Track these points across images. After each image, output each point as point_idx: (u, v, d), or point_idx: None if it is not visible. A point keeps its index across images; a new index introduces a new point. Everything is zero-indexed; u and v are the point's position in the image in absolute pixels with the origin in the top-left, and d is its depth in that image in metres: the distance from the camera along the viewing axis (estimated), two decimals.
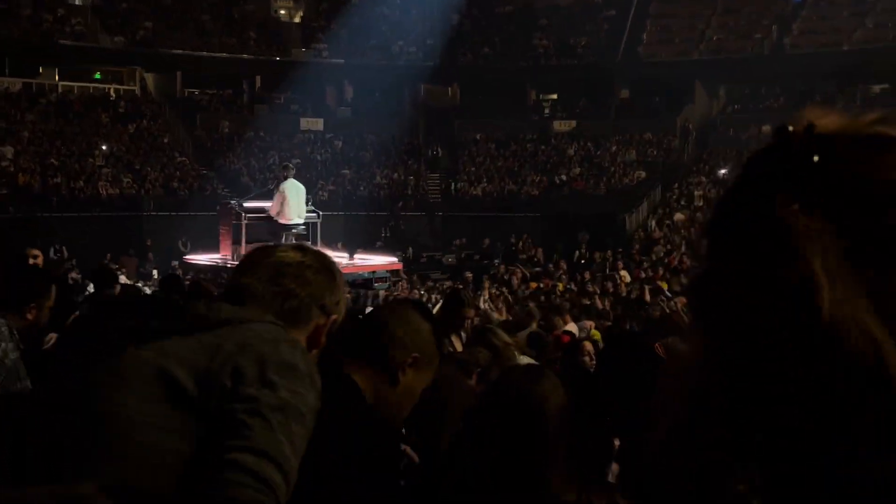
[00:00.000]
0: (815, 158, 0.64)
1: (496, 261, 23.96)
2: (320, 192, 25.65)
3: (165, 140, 30.57)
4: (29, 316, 3.49)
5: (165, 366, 1.37)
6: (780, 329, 0.62)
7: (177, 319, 1.45)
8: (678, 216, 26.52)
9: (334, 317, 1.74)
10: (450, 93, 37.56)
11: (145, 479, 1.29)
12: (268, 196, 12.88)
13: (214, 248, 15.54)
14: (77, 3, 34.36)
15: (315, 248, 1.74)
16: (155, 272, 19.37)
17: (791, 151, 0.65)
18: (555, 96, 37.27)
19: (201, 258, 13.94)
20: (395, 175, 31.52)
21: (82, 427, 1.32)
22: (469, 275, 18.69)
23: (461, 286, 12.29)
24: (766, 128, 31.93)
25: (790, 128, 0.67)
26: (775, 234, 0.63)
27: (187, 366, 1.37)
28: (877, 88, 33.06)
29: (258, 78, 35.04)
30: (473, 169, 32.40)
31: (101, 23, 33.39)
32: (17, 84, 31.05)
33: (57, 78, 33.01)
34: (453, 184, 31.76)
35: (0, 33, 30.06)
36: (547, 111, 36.31)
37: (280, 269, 1.67)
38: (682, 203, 28.70)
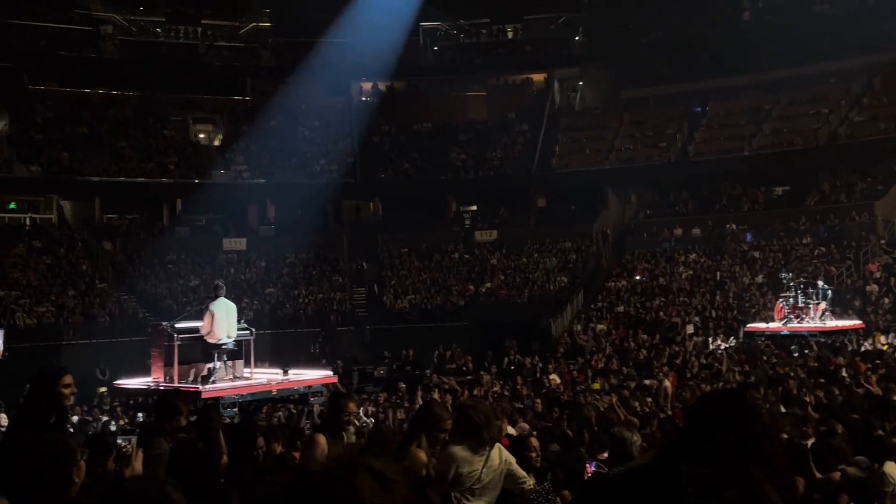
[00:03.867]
0: None
1: (427, 371, 23.98)
2: (246, 311, 25.42)
3: (84, 267, 30.05)
4: None
5: None
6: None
7: None
8: (600, 327, 27.16)
9: None
10: (372, 208, 38.13)
11: None
12: (198, 316, 12.79)
13: (136, 372, 15.21)
14: None
15: None
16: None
17: None
18: (475, 207, 38.19)
19: (132, 382, 13.63)
20: (322, 291, 31.52)
21: None
22: (402, 385, 18.69)
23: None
24: (678, 231, 33.30)
25: None
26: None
27: None
28: (779, 190, 34.89)
29: (178, 201, 34.97)
30: (399, 281, 32.65)
31: (17, 153, 33.12)
32: None
33: None
34: (380, 297, 31.88)
35: None
36: (468, 222, 37.09)
37: None
38: (604, 307, 29.32)
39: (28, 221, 32.85)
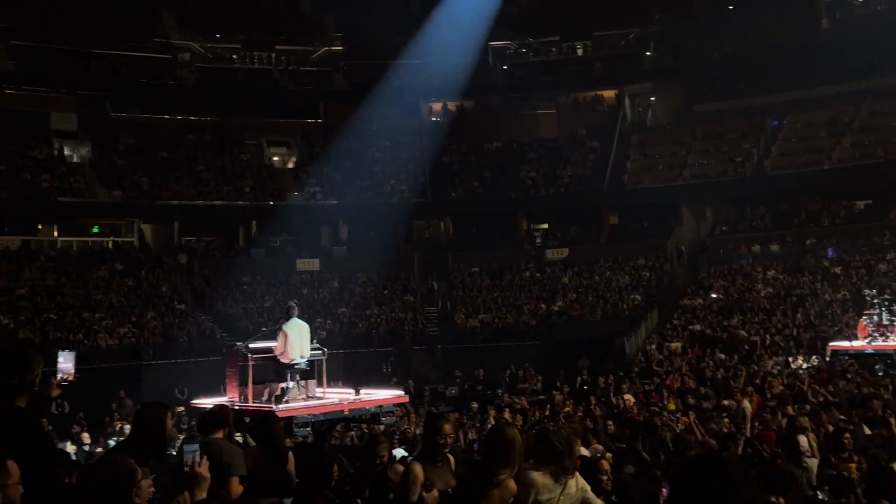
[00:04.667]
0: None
1: (499, 390, 23.84)
2: (319, 331, 25.69)
3: (164, 289, 30.81)
4: None
5: None
6: None
7: None
8: (675, 345, 26.63)
9: None
10: (443, 227, 38.25)
11: None
12: (272, 337, 12.95)
13: (214, 392, 15.46)
14: (75, 160, 35.36)
15: None
16: None
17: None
18: (546, 225, 37.96)
19: (208, 402, 13.84)
20: (393, 310, 31.67)
21: None
22: (475, 405, 18.60)
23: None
24: (756, 247, 32.49)
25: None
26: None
27: None
28: (861, 204, 33.80)
29: (254, 223, 35.66)
30: (470, 300, 32.58)
31: (99, 179, 34.25)
32: (16, 242, 31.55)
33: (56, 234, 33.60)
34: (451, 316, 31.86)
35: None
36: (539, 240, 36.86)
37: None
38: (679, 325, 28.70)
39: (110, 245, 33.89)
